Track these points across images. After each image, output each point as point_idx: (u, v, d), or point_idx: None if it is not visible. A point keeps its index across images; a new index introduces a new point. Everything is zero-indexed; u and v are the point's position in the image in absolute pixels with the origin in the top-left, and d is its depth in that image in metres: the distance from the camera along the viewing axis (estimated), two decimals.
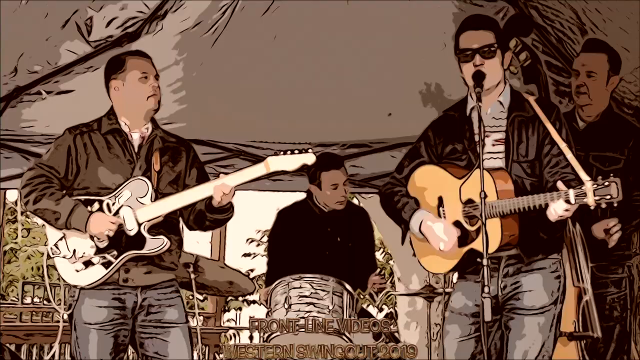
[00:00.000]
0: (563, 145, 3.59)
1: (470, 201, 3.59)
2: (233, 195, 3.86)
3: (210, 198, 3.85)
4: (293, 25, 4.97)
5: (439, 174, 3.72)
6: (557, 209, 3.41)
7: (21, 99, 5.50)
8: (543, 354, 3.63)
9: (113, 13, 4.82)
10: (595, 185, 3.34)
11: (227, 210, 3.93)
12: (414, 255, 3.84)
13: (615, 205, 3.38)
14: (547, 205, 3.43)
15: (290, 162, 3.82)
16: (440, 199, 3.71)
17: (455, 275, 3.88)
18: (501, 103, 3.72)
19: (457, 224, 3.65)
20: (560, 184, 3.41)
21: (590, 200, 3.35)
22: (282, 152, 3.83)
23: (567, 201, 3.38)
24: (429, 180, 3.76)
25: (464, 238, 3.63)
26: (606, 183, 3.33)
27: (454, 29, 3.77)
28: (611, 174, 3.37)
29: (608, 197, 3.32)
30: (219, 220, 3.99)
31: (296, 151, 3.82)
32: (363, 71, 5.37)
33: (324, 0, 4.78)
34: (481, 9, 4.73)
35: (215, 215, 3.93)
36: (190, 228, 4.07)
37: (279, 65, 5.33)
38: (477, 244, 3.56)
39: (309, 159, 3.83)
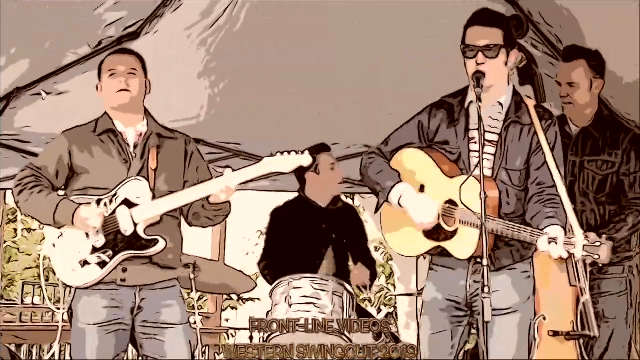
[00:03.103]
0: (558, 179, 3.58)
1: (452, 202, 3.56)
2: (232, 194, 3.85)
3: (208, 195, 3.85)
4: (294, 25, 4.97)
5: (426, 163, 3.68)
6: (544, 248, 3.40)
7: (21, 99, 5.51)
8: (518, 354, 3.60)
9: (113, 13, 4.82)
10: (586, 242, 3.34)
11: (224, 207, 3.92)
12: (381, 229, 3.81)
13: (600, 265, 3.47)
14: (531, 241, 3.44)
15: (286, 163, 3.79)
16: (422, 188, 3.67)
17: None
18: (501, 104, 3.68)
19: None
20: (555, 229, 3.40)
21: (578, 253, 3.35)
22: (278, 153, 3.81)
23: (555, 243, 3.36)
24: (414, 165, 3.72)
25: (436, 234, 3.61)
26: (597, 243, 3.33)
27: (453, 28, 3.76)
28: (603, 235, 3.37)
29: (596, 256, 3.32)
30: (216, 217, 3.97)
31: (292, 152, 3.79)
32: (363, 71, 5.37)
33: (327, 1, 4.77)
34: (479, 7, 4.72)
35: (212, 212, 3.92)
36: (190, 224, 4.07)
37: (280, 65, 5.33)
38: (449, 245, 3.57)
39: (306, 160, 3.79)
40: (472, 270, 3.62)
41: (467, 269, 3.63)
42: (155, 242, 3.85)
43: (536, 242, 3.41)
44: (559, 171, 3.59)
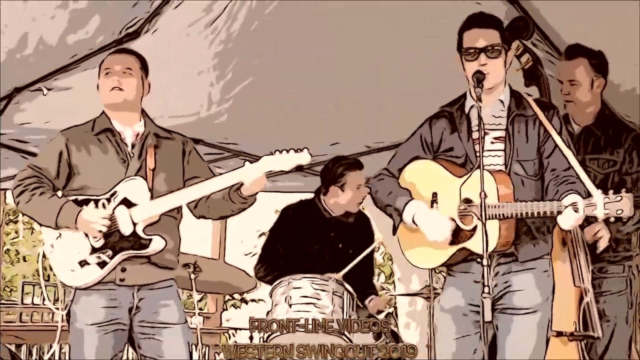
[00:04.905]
0: (569, 154, 3.60)
1: (468, 200, 3.57)
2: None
3: (239, 187, 3.82)
4: (294, 25, 4.96)
5: (435, 170, 3.70)
6: (570, 219, 3.40)
7: (21, 98, 5.51)
8: (535, 354, 3.60)
9: (113, 12, 4.82)
10: (606, 199, 3.34)
11: (251, 200, 3.89)
12: (400, 247, 3.78)
13: (625, 220, 3.38)
14: (552, 213, 3.43)
15: (285, 161, 3.77)
16: (435, 195, 3.66)
17: None
18: (502, 102, 3.72)
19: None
20: (572, 196, 3.40)
21: (600, 213, 3.34)
22: (277, 152, 3.79)
23: (576, 211, 3.37)
24: (423, 174, 3.73)
25: (456, 236, 3.60)
26: (618, 198, 3.32)
27: (453, 28, 3.76)
28: (623, 189, 3.35)
29: (619, 211, 3.32)
30: (240, 209, 3.94)
31: (291, 150, 3.78)
32: (363, 71, 5.37)
33: (327, 1, 4.77)
34: (479, 7, 4.72)
35: (238, 206, 3.89)
36: (204, 217, 4.05)
37: (280, 65, 5.33)
38: (471, 244, 3.55)
39: (304, 158, 3.78)
40: (494, 273, 3.59)
41: (489, 271, 3.58)
42: (155, 241, 3.85)
43: (559, 212, 3.40)
44: (570, 149, 3.62)
